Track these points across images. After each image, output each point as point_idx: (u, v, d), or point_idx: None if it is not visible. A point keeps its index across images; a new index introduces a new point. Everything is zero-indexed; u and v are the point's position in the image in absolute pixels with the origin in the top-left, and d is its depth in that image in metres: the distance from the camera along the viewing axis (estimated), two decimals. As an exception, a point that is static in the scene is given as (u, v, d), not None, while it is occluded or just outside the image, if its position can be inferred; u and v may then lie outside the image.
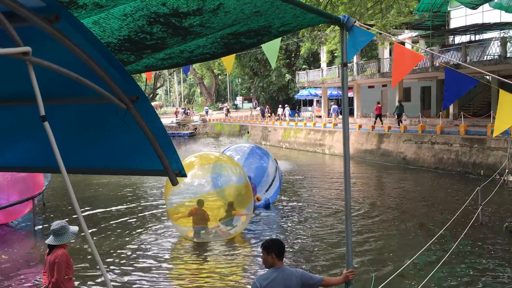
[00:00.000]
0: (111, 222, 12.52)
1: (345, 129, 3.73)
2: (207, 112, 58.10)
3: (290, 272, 3.81)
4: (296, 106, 51.17)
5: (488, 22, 27.88)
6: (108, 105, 1.87)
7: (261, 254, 3.89)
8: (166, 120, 51.15)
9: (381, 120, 28.59)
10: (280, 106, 44.71)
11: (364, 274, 8.01)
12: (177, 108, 62.94)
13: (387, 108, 34.90)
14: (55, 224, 5.23)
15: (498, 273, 8.47)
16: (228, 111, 53.42)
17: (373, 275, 6.88)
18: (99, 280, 8.36)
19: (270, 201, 13.97)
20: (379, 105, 29.68)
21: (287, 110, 42.49)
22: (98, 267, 8.58)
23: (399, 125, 26.22)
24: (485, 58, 24.61)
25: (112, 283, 7.92)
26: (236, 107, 71.51)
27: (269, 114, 45.40)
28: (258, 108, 50.02)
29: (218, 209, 10.53)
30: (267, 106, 48.65)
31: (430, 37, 31.37)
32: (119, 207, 14.55)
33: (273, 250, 3.77)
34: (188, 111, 58.42)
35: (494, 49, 24.52)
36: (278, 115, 42.64)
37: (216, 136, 45.08)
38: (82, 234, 10.89)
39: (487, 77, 27.57)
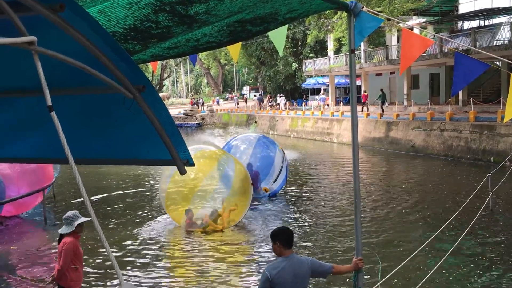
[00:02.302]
0: (120, 212, 12.62)
1: (353, 117, 3.70)
2: (218, 102, 58.30)
3: (300, 260, 3.81)
4: (304, 95, 51.01)
5: (498, 7, 27.48)
6: (114, 95, 1.86)
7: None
8: (173, 111, 51.21)
9: (362, 108, 30.21)
10: (279, 95, 44.99)
11: (372, 263, 8.01)
12: (192, 99, 63.18)
13: (395, 96, 34.66)
14: (67, 213, 5.30)
15: (509, 260, 8.42)
16: (245, 100, 52.88)
17: (380, 264, 6.88)
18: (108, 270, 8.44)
19: (276, 191, 13.96)
20: (365, 94, 32.32)
21: (283, 99, 42.85)
22: (108, 261, 8.65)
23: (382, 112, 27.80)
24: (494, 43, 24.29)
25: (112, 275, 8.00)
26: (243, 97, 71.53)
27: (270, 104, 45.49)
28: (255, 98, 50.14)
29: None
30: (268, 96, 48.73)
31: (439, 23, 31.01)
32: (127, 197, 14.64)
33: (278, 239, 3.76)
34: (202, 100, 59.06)
35: (504, 34, 24.19)
36: (278, 104, 42.89)
37: (224, 126, 45.08)
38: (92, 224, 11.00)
39: (497, 62, 27.22)
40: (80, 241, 5.49)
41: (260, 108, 44.39)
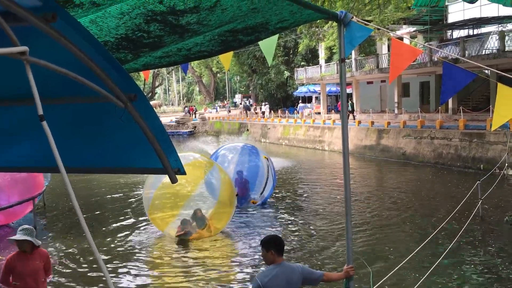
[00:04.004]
0: (108, 220, 12.54)
1: (344, 125, 3.73)
2: (217, 110, 59.13)
3: (291, 267, 3.83)
4: (296, 103, 51.22)
5: (486, 16, 27.84)
6: (106, 104, 1.87)
7: (261, 251, 3.89)
8: (165, 119, 51.16)
9: (354, 116, 31.50)
10: (263, 103, 45.81)
11: (363, 270, 8.02)
12: (191, 106, 63.66)
13: (386, 104, 34.90)
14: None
15: (498, 266, 8.48)
16: (253, 108, 52.68)
17: (371, 272, 6.89)
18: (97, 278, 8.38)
19: (264, 200, 13.91)
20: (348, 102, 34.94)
21: (267, 107, 43.85)
22: (98, 268, 8.59)
23: (353, 120, 29.62)
24: (483, 52, 24.59)
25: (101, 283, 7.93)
26: (235, 105, 71.73)
27: (256, 111, 46.13)
28: (240, 106, 50.63)
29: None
30: (254, 103, 49.33)
31: (428, 32, 31.34)
32: (116, 204, 14.56)
33: (272, 246, 3.77)
34: (194, 108, 59.67)
35: (492, 43, 24.50)
36: (263, 112, 43.74)
37: (216, 134, 45.07)
38: (83, 234, 10.91)
39: (486, 71, 27.54)
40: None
41: (247, 116, 44.95)
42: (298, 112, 42.36)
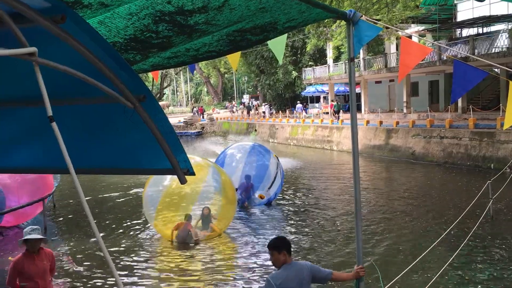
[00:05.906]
0: (117, 221, 12.58)
1: (354, 125, 3.70)
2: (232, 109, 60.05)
3: (300, 265, 3.86)
4: (304, 103, 51.15)
5: (496, 14, 27.59)
6: (115, 105, 1.87)
7: (271, 255, 3.86)
8: (173, 120, 51.34)
9: (338, 116, 33.66)
10: (263, 104, 46.98)
11: (373, 271, 7.98)
12: (199, 107, 63.90)
13: (395, 103, 34.71)
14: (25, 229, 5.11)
15: (510, 267, 8.39)
16: (254, 108, 52.32)
17: (379, 273, 6.85)
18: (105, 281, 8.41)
19: (272, 198, 13.93)
20: (333, 103, 36.19)
21: (267, 108, 44.75)
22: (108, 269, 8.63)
23: (338, 119, 31.50)
24: (493, 51, 24.37)
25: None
26: (244, 105, 71.90)
27: (257, 112, 46.73)
28: (241, 106, 51.07)
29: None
30: (256, 104, 49.98)
31: (437, 31, 31.14)
32: (123, 206, 14.61)
33: (284, 248, 3.79)
34: (202, 108, 59.85)
35: (502, 41, 24.28)
36: (263, 112, 44.58)
37: (224, 134, 45.15)
38: (93, 234, 10.97)
39: (496, 69, 27.29)
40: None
41: (249, 116, 45.77)
42: (306, 112, 42.39)
